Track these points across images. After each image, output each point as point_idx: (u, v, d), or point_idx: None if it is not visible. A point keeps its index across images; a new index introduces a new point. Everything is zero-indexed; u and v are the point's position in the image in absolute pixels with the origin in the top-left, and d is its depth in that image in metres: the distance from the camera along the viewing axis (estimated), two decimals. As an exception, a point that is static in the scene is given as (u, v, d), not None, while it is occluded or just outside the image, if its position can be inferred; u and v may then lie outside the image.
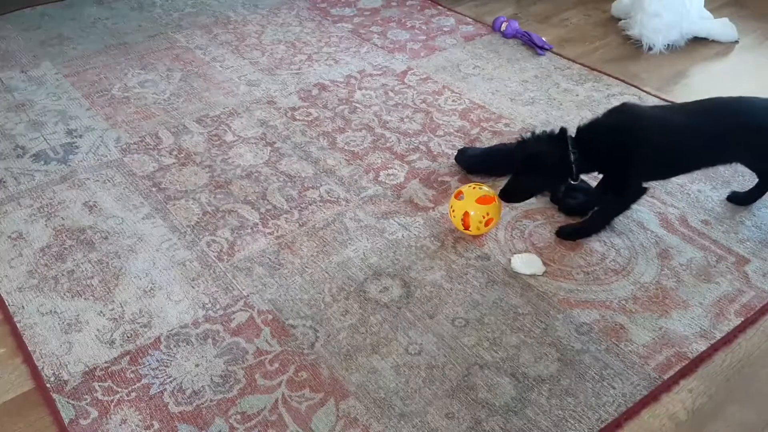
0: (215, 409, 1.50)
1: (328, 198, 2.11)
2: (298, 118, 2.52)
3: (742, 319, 1.69)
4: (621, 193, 1.89)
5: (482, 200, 1.88)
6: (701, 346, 1.62)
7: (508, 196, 1.93)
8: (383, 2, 3.46)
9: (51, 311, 1.74)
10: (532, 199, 2.08)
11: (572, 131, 1.86)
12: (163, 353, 1.62)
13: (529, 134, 1.88)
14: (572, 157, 1.80)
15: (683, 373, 1.56)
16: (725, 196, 2.07)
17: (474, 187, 1.92)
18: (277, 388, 1.54)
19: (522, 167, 1.88)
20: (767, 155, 1.88)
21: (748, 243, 1.91)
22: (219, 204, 2.10)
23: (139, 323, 1.70)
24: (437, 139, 2.38)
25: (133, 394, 1.53)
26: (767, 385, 1.55)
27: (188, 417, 1.48)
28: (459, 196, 1.91)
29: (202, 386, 1.55)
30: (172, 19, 3.31)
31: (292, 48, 3.02)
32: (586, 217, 1.98)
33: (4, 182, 2.20)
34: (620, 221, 1.98)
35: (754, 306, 1.73)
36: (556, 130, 1.85)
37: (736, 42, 2.99)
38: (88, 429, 1.46)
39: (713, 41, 3.00)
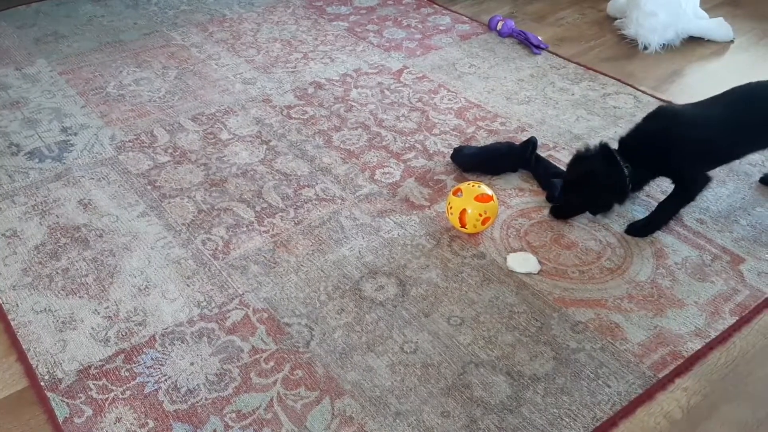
0: (210, 407, 1.50)
1: (324, 196, 2.11)
2: (293, 116, 2.52)
3: (737, 317, 1.70)
4: (688, 188, 1.89)
5: (480, 198, 1.88)
6: (696, 345, 1.63)
7: (560, 213, 1.97)
8: (379, 0, 3.45)
9: (45, 309, 1.73)
10: (527, 198, 2.08)
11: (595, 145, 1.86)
12: (158, 351, 1.62)
13: (582, 150, 1.89)
14: (626, 171, 1.80)
15: (678, 372, 1.57)
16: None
17: (473, 185, 1.92)
18: (273, 387, 1.54)
19: (576, 185, 1.89)
20: None
21: (743, 242, 1.92)
22: (214, 202, 2.09)
23: (133, 321, 1.70)
24: (433, 138, 2.38)
25: (128, 393, 1.53)
26: (762, 383, 1.56)
27: (183, 415, 1.48)
28: (457, 193, 1.91)
29: (197, 385, 1.54)
30: (168, 16, 3.30)
31: (287, 46, 3.02)
32: (652, 212, 1.96)
33: (-2, 180, 2.20)
34: (615, 220, 1.99)
35: (749, 305, 1.73)
36: (599, 146, 1.85)
37: (732, 41, 3.00)
38: (82, 427, 1.46)
39: (709, 41, 3.00)
